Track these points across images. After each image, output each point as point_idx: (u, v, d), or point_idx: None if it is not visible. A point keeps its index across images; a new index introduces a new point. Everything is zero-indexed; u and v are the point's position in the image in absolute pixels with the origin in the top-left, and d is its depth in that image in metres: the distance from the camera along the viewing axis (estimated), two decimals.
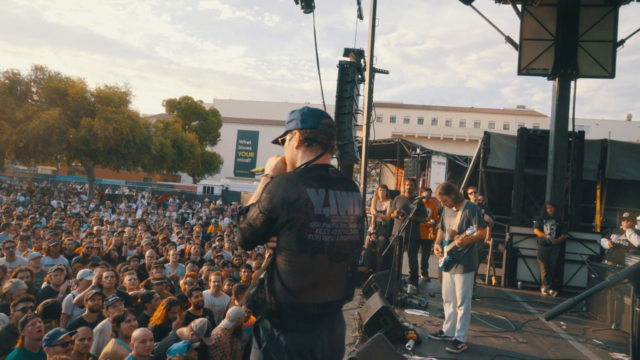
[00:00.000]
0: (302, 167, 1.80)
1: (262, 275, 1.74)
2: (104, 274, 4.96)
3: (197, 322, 3.91)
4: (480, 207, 5.84)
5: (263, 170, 1.99)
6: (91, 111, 22.42)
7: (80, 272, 5.28)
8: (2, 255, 6.27)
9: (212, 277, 5.54)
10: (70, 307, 4.89)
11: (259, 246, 9.13)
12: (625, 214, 7.18)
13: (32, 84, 23.45)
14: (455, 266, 4.51)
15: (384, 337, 3.55)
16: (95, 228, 9.51)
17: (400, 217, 6.51)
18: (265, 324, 1.73)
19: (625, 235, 6.79)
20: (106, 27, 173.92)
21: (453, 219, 4.63)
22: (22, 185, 27.11)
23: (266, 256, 1.81)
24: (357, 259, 1.95)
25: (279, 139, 1.96)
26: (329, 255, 1.72)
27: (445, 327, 4.79)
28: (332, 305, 1.80)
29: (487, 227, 7.08)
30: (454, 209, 4.65)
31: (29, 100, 23.41)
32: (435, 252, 4.83)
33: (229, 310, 4.41)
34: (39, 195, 21.02)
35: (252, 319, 4.63)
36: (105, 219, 12.35)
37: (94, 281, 4.93)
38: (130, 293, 5.05)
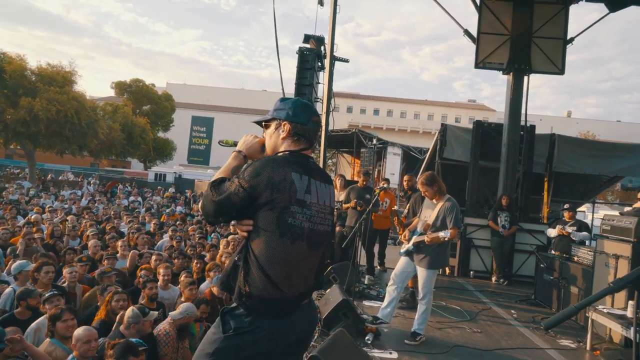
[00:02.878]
0: (287, 153, 1.81)
1: (236, 259, 1.73)
2: (44, 268, 4.56)
3: (127, 314, 3.65)
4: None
5: (233, 144, 2.02)
6: (32, 91, 20.87)
7: (17, 264, 4.85)
8: None
9: (161, 270, 5.25)
10: (4, 302, 4.47)
11: (212, 237, 8.84)
12: (566, 206, 7.52)
13: None
14: (421, 258, 4.40)
15: (345, 332, 3.47)
16: (34, 217, 8.83)
17: (359, 207, 6.45)
18: (237, 309, 1.69)
19: (569, 230, 7.08)
20: (49, 1, 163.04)
21: (430, 212, 4.51)
22: None
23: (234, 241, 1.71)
24: (328, 249, 1.98)
25: (263, 123, 1.94)
26: (307, 243, 1.73)
27: (381, 312, 4.60)
28: (306, 294, 1.83)
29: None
30: (434, 201, 4.53)
31: None
32: (402, 237, 4.74)
33: (182, 305, 4.17)
34: None
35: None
36: (47, 207, 11.55)
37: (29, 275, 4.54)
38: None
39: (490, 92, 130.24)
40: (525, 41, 9.04)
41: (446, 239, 4.21)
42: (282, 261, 1.67)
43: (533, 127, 9.52)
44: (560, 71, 9.26)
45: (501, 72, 9.40)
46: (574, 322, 5.69)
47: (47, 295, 3.89)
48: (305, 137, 1.85)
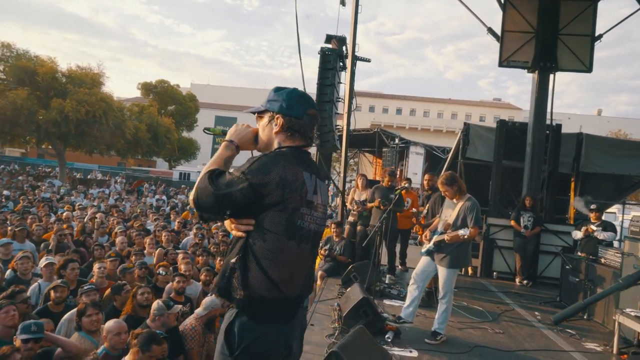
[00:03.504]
0: (291, 148, 1.67)
1: (233, 260, 1.57)
2: (69, 265, 4.75)
3: (153, 307, 3.80)
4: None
5: (221, 133, 1.84)
6: (62, 92, 21.63)
7: (44, 259, 5.05)
8: None
9: (183, 267, 5.42)
10: (36, 296, 4.67)
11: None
12: (592, 206, 7.35)
13: None
14: (442, 257, 4.40)
15: (365, 329, 3.50)
16: (65, 214, 9.16)
17: (382, 206, 6.48)
18: (239, 317, 1.56)
19: (594, 228, 6.95)
20: (78, 5, 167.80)
21: (451, 211, 4.50)
22: None
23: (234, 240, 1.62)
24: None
25: (257, 114, 1.77)
26: (311, 245, 1.66)
27: (404, 312, 4.64)
28: (303, 296, 1.74)
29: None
30: (454, 200, 4.52)
31: None
32: (423, 237, 4.75)
33: (204, 299, 4.29)
34: (6, 179, 20.23)
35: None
36: (77, 204, 11.95)
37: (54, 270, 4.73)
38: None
39: (516, 90, 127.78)
40: (551, 39, 8.86)
41: (465, 237, 4.20)
42: (288, 264, 1.57)
43: (559, 126, 9.33)
44: (588, 69, 9.04)
45: (526, 70, 9.25)
46: (600, 325, 5.58)
47: (85, 288, 4.07)
48: (300, 132, 1.69)
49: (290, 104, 1.68)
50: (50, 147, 24.55)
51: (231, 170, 1.61)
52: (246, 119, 1.89)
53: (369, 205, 6.89)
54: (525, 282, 7.85)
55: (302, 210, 1.59)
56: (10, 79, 22.15)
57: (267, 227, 1.54)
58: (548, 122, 9.00)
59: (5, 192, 13.95)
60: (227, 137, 1.73)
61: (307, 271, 1.72)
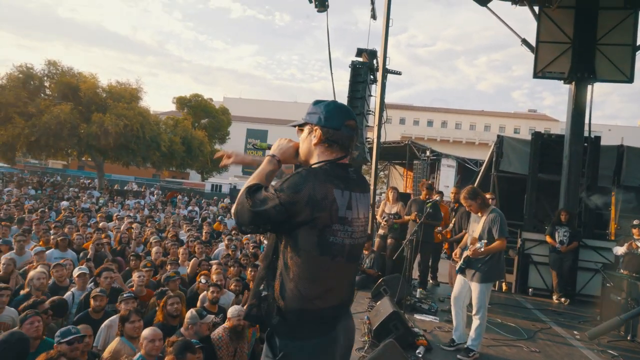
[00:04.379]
0: (327, 164, 1.68)
1: (262, 287, 1.65)
2: (104, 274, 4.92)
3: (187, 315, 3.90)
4: None
5: (267, 148, 1.90)
6: (102, 107, 22.58)
7: (77, 269, 5.21)
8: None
9: (214, 277, 5.53)
10: (70, 304, 4.84)
11: (264, 247, 9.02)
12: (635, 222, 7.03)
13: (45, 78, 23.67)
14: (473, 274, 4.34)
15: (395, 343, 3.46)
16: (101, 224, 9.51)
17: (419, 220, 6.46)
18: (280, 328, 1.61)
19: (638, 245, 6.65)
20: (119, 23, 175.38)
21: (477, 225, 4.47)
22: (33, 179, 27.33)
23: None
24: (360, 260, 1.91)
25: (297, 127, 1.83)
26: (347, 258, 1.67)
27: (455, 335, 4.66)
28: (344, 307, 1.78)
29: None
30: (479, 214, 4.48)
31: (42, 95, 23.63)
32: (454, 255, 4.72)
33: (229, 309, 4.36)
34: (49, 189, 21.17)
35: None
36: (115, 215, 12.37)
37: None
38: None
39: (552, 101, 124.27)
40: (588, 49, 8.63)
41: (482, 250, 4.17)
42: (323, 279, 1.61)
43: (598, 138, 9.04)
44: (629, 79, 8.73)
45: (562, 81, 9.02)
46: None
47: (124, 296, 4.21)
48: (338, 143, 1.71)
49: (328, 116, 1.71)
50: (90, 159, 25.57)
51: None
52: (278, 132, 1.95)
53: (405, 218, 6.87)
54: (562, 299, 7.56)
55: (334, 227, 1.60)
56: (55, 95, 23.33)
57: (301, 246, 1.58)
58: (586, 134, 8.73)
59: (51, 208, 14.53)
60: (270, 152, 1.79)
61: (344, 283, 1.73)
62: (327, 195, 1.58)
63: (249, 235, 10.28)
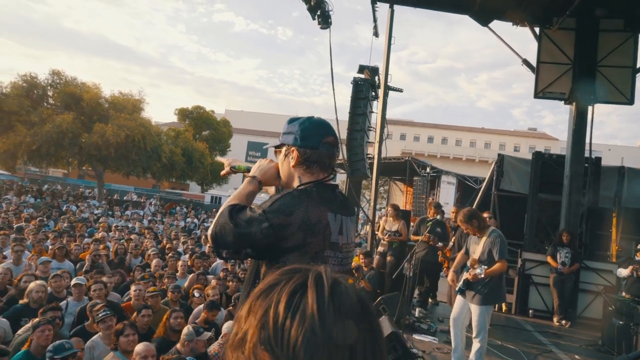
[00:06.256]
0: (314, 185, 1.55)
1: None
2: (92, 286, 4.86)
3: (183, 332, 3.84)
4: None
5: (246, 170, 1.79)
6: (104, 117, 22.65)
7: (74, 280, 5.17)
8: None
9: (210, 292, 5.45)
10: (63, 313, 4.77)
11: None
12: (639, 246, 6.99)
13: (49, 87, 23.79)
14: (473, 296, 4.29)
15: None
16: (100, 234, 9.45)
17: (432, 242, 6.48)
18: None
19: None
20: (122, 35, 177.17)
21: (476, 246, 4.43)
22: (33, 187, 27.30)
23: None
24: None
25: (275, 148, 1.71)
26: None
27: (454, 357, 4.59)
28: None
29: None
30: (477, 235, 4.46)
31: (45, 104, 23.72)
32: (450, 280, 4.69)
33: (224, 325, 4.31)
34: (49, 198, 21.12)
35: None
36: (114, 225, 12.31)
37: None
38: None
39: (552, 120, 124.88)
40: (589, 70, 8.68)
41: (482, 276, 4.13)
42: None
43: (599, 159, 9.05)
44: (629, 101, 8.77)
45: (563, 102, 9.06)
46: None
47: (100, 315, 4.04)
48: (317, 163, 1.57)
49: (304, 135, 1.58)
50: (90, 168, 25.56)
51: (253, 206, 1.52)
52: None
53: (413, 238, 6.88)
54: (563, 322, 7.47)
55: (325, 253, 1.48)
56: (58, 104, 23.43)
57: None
58: (587, 154, 8.74)
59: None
60: (251, 173, 1.69)
61: None
62: (321, 219, 1.46)
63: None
